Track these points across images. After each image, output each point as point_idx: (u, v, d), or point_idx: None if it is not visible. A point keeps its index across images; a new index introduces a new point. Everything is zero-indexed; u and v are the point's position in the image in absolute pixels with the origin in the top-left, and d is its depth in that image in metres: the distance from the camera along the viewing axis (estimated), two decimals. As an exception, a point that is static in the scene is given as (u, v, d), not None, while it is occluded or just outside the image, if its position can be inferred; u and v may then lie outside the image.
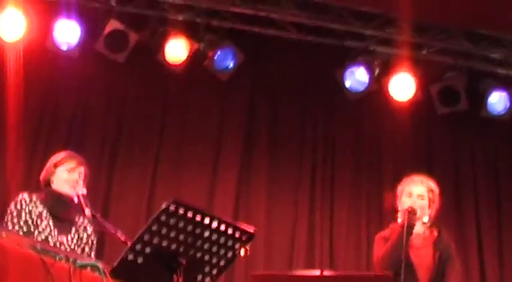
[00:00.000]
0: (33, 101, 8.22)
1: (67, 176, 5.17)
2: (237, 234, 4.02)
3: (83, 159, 5.36)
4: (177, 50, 8.10)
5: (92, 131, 8.45)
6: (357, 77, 8.29)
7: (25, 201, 5.02)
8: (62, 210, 5.12)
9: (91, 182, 7.72)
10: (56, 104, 8.42)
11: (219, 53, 8.21)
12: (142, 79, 8.58)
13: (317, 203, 8.52)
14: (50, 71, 8.30)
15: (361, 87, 8.29)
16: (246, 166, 8.56)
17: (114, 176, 8.31)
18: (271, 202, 8.47)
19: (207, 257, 4.00)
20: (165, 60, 8.14)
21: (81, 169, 5.25)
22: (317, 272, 4.38)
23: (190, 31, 8.22)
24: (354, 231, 8.50)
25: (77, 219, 5.21)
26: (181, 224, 3.76)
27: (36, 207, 5.02)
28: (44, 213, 5.04)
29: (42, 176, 5.30)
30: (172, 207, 3.69)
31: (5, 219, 4.96)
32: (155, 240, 3.75)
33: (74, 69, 8.33)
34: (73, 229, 5.12)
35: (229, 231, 3.98)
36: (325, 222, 8.45)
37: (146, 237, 3.72)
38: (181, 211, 3.73)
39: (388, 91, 8.30)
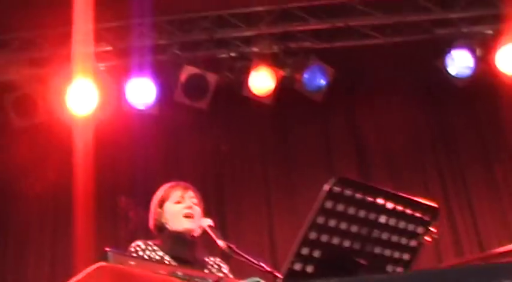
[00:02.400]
0: (121, 171, 7.68)
1: (178, 208, 4.30)
2: (417, 214, 3.19)
3: (186, 182, 4.49)
4: (262, 81, 7.48)
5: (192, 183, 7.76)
6: (460, 62, 7.51)
7: (140, 248, 4.16)
8: (185, 250, 4.22)
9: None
10: (146, 167, 7.81)
11: (307, 73, 7.52)
12: (232, 120, 7.98)
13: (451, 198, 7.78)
14: (133, 135, 7.72)
15: (467, 71, 7.50)
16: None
17: (226, 222, 7.64)
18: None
19: (387, 252, 3.14)
20: (252, 94, 7.50)
21: (190, 193, 4.38)
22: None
23: (271, 59, 7.59)
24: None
25: (207, 259, 4.35)
26: (351, 210, 2.95)
27: (155, 252, 4.18)
28: (167, 258, 4.16)
29: (151, 224, 4.41)
30: (337, 188, 2.87)
31: None
32: (324, 238, 2.94)
33: (158, 127, 7.75)
34: (205, 271, 4.25)
35: (408, 211, 3.16)
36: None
37: (313, 236, 2.91)
38: (348, 192, 2.92)
39: (496, 67, 7.48)
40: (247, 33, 7.80)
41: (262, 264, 3.86)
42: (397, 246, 3.23)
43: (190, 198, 4.36)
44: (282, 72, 7.61)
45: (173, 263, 4.12)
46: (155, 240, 4.27)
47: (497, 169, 7.88)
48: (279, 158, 7.88)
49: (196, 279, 3.03)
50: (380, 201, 3.07)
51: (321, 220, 2.92)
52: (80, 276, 2.60)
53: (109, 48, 7.73)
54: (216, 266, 4.37)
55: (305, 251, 2.93)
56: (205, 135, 7.95)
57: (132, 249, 4.15)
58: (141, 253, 4.13)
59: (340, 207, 2.95)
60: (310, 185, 7.60)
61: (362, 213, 3.04)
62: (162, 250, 4.20)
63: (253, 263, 4.04)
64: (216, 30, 7.75)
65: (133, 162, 7.80)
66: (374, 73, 7.97)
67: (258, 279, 3.05)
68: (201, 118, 7.75)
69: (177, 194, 4.36)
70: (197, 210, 4.33)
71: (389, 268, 3.23)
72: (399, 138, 7.99)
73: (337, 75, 7.69)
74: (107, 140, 7.24)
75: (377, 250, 3.17)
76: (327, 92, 7.67)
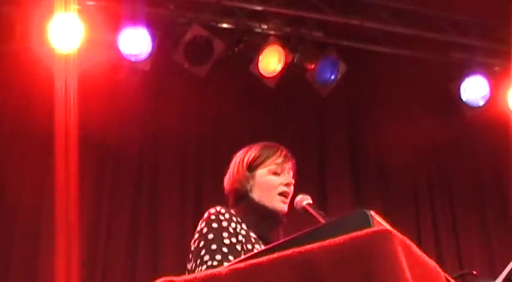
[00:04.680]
0: (94, 122, 6.83)
1: (276, 183, 3.40)
2: None
3: (285, 148, 3.53)
4: (271, 61, 6.89)
5: (167, 156, 7.10)
6: (474, 90, 7.20)
7: (223, 216, 3.23)
8: (271, 230, 3.37)
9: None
10: (122, 122, 7.10)
11: (321, 64, 6.99)
12: (227, 96, 7.28)
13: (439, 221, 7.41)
14: (115, 86, 6.98)
15: (481, 101, 7.18)
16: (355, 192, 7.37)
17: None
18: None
19: None
20: (258, 72, 6.91)
21: (290, 165, 3.48)
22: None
23: (282, 41, 7.03)
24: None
25: None
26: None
27: (240, 225, 3.26)
28: (252, 235, 3.28)
29: (229, 186, 3.50)
30: None
31: (197, 246, 3.18)
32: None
33: (144, 84, 7.02)
34: None
35: None
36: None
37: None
38: None
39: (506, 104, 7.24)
40: (256, 7, 7.21)
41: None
42: None
43: (290, 171, 3.48)
44: (291, 57, 7.01)
45: (258, 242, 3.29)
46: (234, 208, 3.40)
47: (490, 213, 7.58)
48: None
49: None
50: None
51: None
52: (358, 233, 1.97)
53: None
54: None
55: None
56: (195, 103, 7.23)
57: (213, 217, 3.24)
58: (225, 223, 3.22)
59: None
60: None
61: None
62: (245, 224, 3.30)
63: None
64: (223, -5, 7.10)
65: (117, 114, 7.00)
66: (382, 82, 7.49)
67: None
68: (194, 85, 7.03)
69: (276, 161, 3.44)
70: (291, 191, 3.47)
71: None
72: (395, 154, 7.53)
73: (347, 73, 7.16)
74: (91, 85, 6.48)
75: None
76: (333, 89, 7.14)
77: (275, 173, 3.43)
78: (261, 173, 3.43)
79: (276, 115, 7.54)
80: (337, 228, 2.03)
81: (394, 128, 7.38)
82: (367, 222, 2.05)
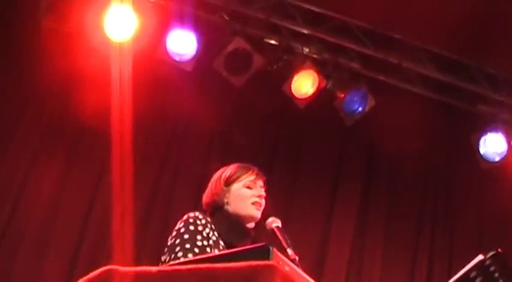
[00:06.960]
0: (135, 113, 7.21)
1: (249, 194, 3.92)
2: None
3: (258, 169, 4.06)
4: (304, 84, 7.26)
5: (192, 155, 7.47)
6: (493, 145, 7.46)
7: (200, 221, 3.70)
8: (239, 240, 3.80)
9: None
10: (157, 118, 7.54)
11: (352, 94, 7.35)
12: (258, 107, 7.61)
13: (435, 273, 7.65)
14: (157, 82, 7.40)
15: (497, 157, 7.44)
16: (361, 225, 7.70)
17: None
18: (386, 265, 7.61)
19: None
20: (290, 92, 7.29)
21: (261, 183, 3.99)
22: None
23: (318, 66, 7.39)
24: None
25: None
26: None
27: (213, 231, 3.73)
28: (221, 243, 3.73)
29: (207, 198, 3.99)
30: (488, 262, 2.86)
31: (173, 243, 3.66)
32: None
33: (183, 83, 7.43)
34: None
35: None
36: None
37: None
38: (492, 269, 2.87)
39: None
40: (302, 30, 7.58)
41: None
42: None
43: (261, 188, 4.00)
44: (324, 84, 7.38)
45: (224, 249, 3.75)
46: (210, 218, 3.87)
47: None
48: (284, 171, 7.60)
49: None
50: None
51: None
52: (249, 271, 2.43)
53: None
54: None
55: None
56: (227, 111, 7.67)
57: (191, 220, 3.72)
58: (200, 228, 3.70)
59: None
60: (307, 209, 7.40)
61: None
62: (217, 231, 3.77)
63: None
64: (273, 13, 7.48)
65: (151, 108, 7.40)
66: (402, 119, 7.72)
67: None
68: (229, 93, 7.45)
69: (249, 178, 3.97)
70: (263, 203, 3.99)
71: None
72: (404, 192, 7.87)
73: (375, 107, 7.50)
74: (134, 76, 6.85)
75: None
76: (358, 120, 7.49)
77: (248, 187, 3.95)
78: (236, 186, 3.95)
79: (301, 135, 7.88)
80: (245, 255, 2.51)
81: (408, 168, 7.73)
82: (267, 255, 2.50)
